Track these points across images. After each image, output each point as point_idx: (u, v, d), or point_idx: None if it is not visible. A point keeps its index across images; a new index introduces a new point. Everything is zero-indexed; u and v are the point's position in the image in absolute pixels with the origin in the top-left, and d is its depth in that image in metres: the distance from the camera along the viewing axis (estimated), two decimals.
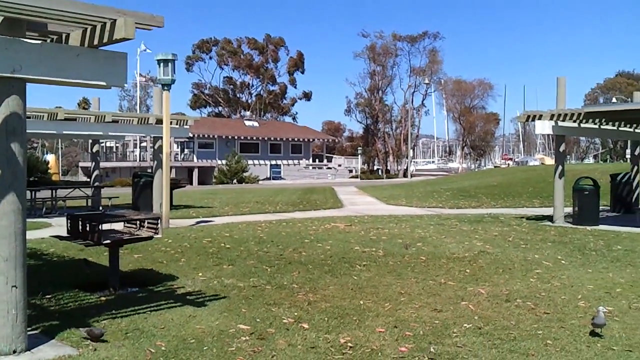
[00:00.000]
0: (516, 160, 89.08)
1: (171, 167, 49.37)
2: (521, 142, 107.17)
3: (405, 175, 67.99)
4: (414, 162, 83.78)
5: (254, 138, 61.50)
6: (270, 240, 11.90)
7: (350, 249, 10.80)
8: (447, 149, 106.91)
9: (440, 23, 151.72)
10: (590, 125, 16.44)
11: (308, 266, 9.04)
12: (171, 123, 16.15)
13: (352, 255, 10.04)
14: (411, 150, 76.90)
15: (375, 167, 78.17)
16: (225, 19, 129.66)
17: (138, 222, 7.71)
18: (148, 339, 5.40)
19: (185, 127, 17.82)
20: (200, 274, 8.37)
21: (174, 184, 20.78)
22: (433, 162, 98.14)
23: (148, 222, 7.59)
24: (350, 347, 5.21)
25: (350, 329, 5.76)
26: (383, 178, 64.46)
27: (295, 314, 6.26)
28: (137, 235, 7.56)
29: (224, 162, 53.06)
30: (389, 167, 76.18)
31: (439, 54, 76.66)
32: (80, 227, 7.30)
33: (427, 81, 75.17)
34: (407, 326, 5.83)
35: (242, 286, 7.58)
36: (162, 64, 13.39)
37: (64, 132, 17.35)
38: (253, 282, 7.86)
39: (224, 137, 58.41)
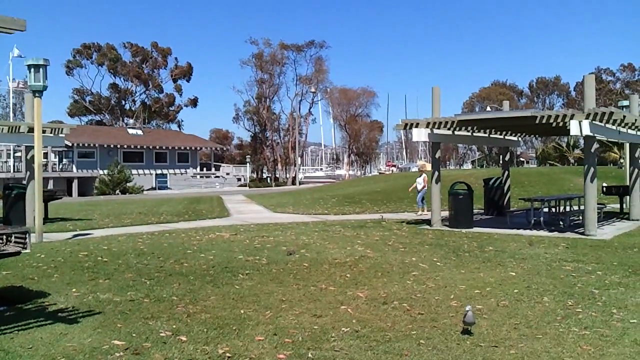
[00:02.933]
0: (399, 166, 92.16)
1: (49, 178, 47.11)
2: (404, 149, 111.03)
3: (293, 183, 68.55)
4: (302, 169, 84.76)
5: (138, 147, 59.77)
6: (151, 252, 11.57)
7: (234, 258, 10.72)
8: (335, 156, 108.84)
9: (326, 32, 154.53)
10: (463, 132, 17.27)
11: (189, 277, 8.88)
12: (45, 131, 15.37)
13: (236, 265, 9.96)
14: (299, 158, 77.68)
15: (264, 175, 78.31)
16: (110, 25, 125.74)
17: (5, 236, 7.25)
18: None
19: (60, 135, 16.98)
20: (74, 290, 8.00)
21: (49, 196, 19.82)
22: (321, 169, 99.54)
23: (15, 237, 7.15)
24: (229, 357, 5.16)
25: (230, 339, 5.71)
26: (272, 186, 64.63)
27: (174, 326, 6.12)
28: (3, 250, 7.10)
29: (105, 172, 51.14)
30: (277, 175, 76.50)
31: (324, 63, 78.25)
32: None
33: (313, 89, 76.32)
34: (286, 333, 5.86)
35: (118, 300, 7.33)
36: (32, 70, 12.71)
37: None
38: (130, 295, 7.62)
39: (105, 145, 56.35)
